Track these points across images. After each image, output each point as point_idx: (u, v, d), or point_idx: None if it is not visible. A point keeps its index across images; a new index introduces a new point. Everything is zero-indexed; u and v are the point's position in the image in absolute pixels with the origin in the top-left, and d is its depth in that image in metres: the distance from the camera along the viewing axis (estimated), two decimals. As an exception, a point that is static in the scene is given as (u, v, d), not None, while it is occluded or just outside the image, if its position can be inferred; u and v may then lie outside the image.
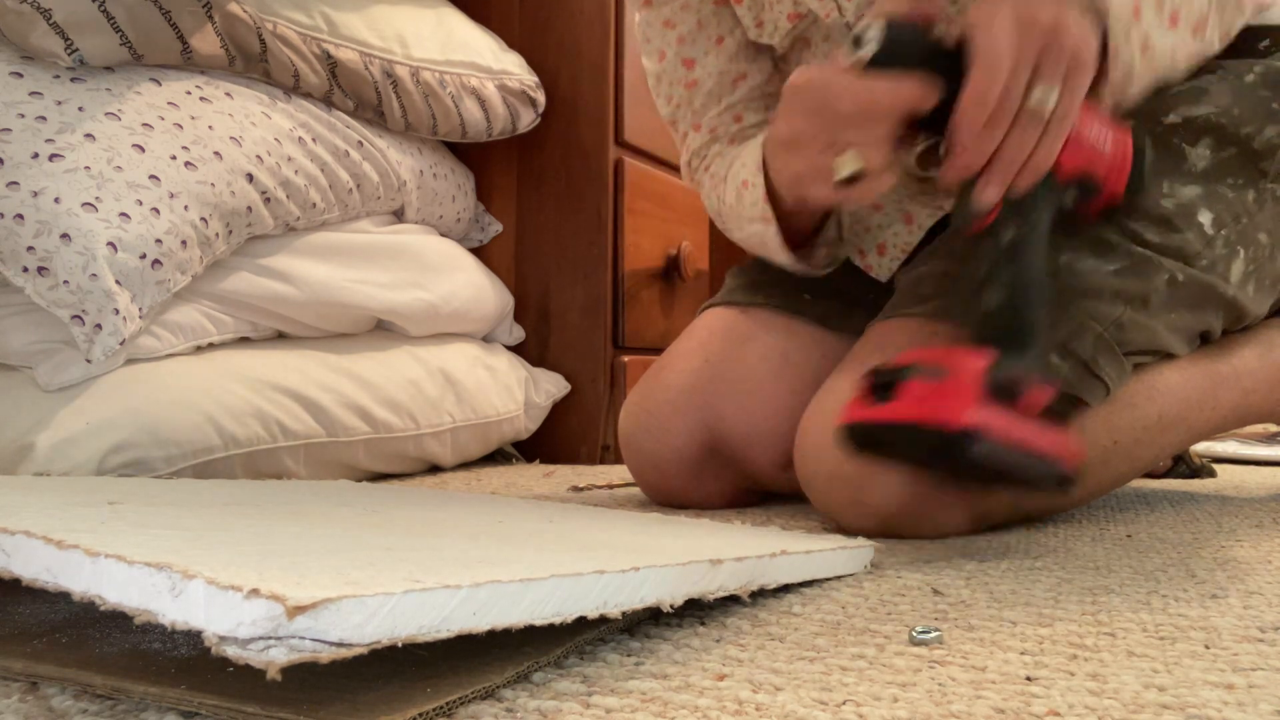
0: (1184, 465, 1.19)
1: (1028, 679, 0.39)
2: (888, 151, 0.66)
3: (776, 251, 0.86)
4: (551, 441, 1.51)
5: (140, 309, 0.92)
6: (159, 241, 0.93)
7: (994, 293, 0.66)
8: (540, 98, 1.50)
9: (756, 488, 0.94)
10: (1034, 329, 0.66)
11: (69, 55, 0.96)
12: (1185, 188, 0.75)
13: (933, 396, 0.61)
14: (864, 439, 0.65)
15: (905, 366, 0.63)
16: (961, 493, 0.73)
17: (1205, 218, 0.75)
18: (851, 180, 0.67)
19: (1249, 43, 0.81)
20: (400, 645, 0.31)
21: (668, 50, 0.94)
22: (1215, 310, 0.78)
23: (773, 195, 0.82)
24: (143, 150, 0.96)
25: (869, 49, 0.63)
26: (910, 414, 0.61)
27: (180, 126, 1.01)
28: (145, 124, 0.99)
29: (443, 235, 1.44)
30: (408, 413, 1.22)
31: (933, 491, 0.71)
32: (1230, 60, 0.80)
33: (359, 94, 1.25)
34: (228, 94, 1.10)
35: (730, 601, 0.51)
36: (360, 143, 1.24)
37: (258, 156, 1.07)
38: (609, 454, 1.48)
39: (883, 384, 0.64)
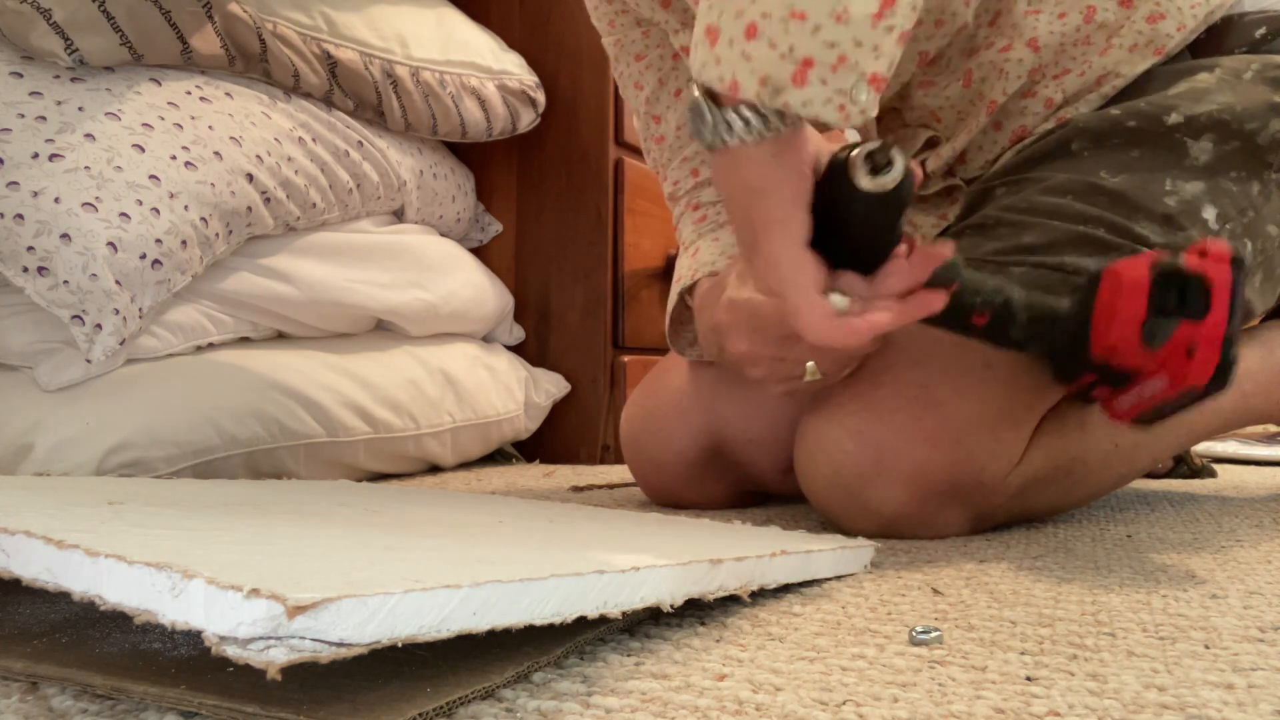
0: (1184, 466, 1.19)
1: (1028, 679, 0.39)
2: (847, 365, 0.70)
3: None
4: (551, 441, 1.51)
5: (140, 309, 0.92)
6: (159, 241, 0.93)
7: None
8: (540, 98, 1.50)
9: (758, 490, 0.94)
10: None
11: (69, 55, 0.96)
12: (1188, 184, 0.75)
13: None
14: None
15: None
16: (960, 497, 0.73)
17: (1209, 213, 0.75)
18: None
19: (1244, 32, 0.81)
20: (400, 645, 0.31)
21: (640, 109, 0.97)
22: None
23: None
24: (143, 150, 0.96)
25: (892, 176, 0.58)
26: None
27: (180, 126, 1.01)
28: (145, 124, 0.99)
29: (443, 235, 1.45)
30: (408, 413, 1.22)
31: (933, 494, 0.71)
32: (1226, 57, 0.80)
33: (359, 94, 1.25)
34: (228, 94, 1.10)
35: (730, 601, 0.51)
36: (360, 143, 1.24)
37: (258, 156, 1.07)
38: (609, 454, 1.48)
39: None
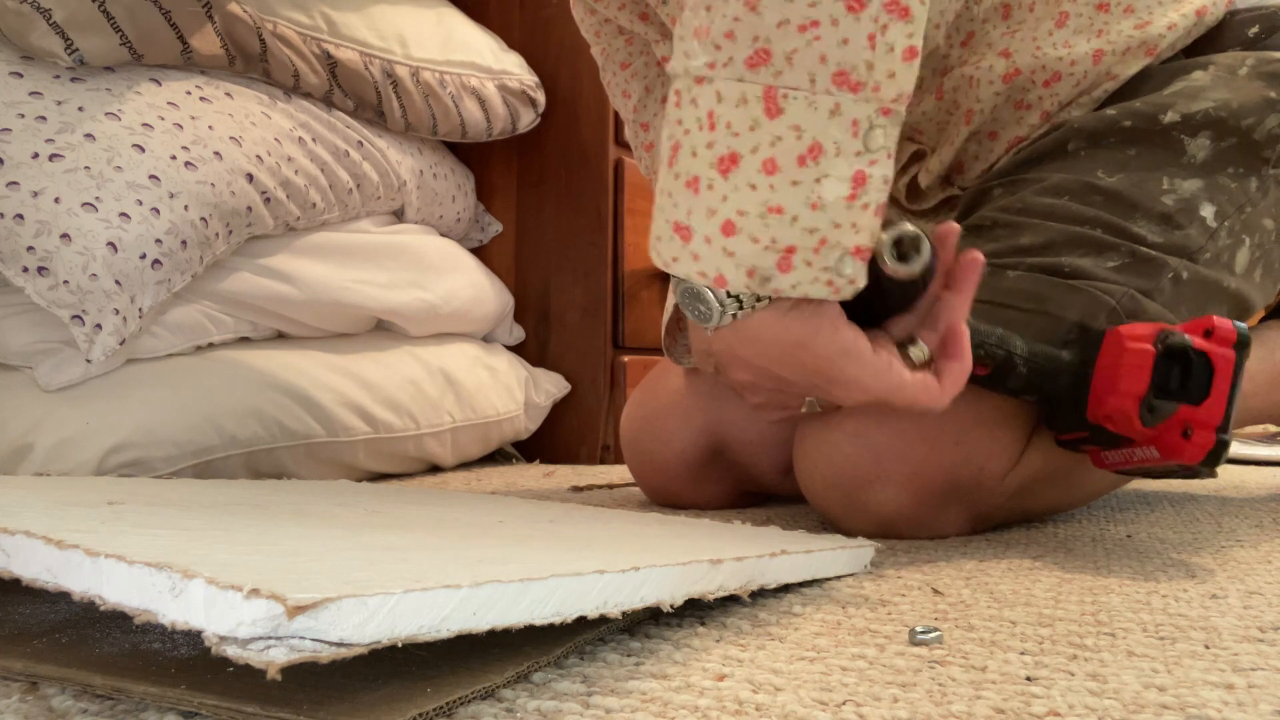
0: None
1: (1028, 679, 0.39)
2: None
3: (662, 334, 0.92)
4: (551, 441, 1.51)
5: (140, 309, 0.92)
6: (159, 242, 0.93)
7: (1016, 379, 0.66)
8: (540, 98, 1.50)
9: (758, 490, 0.94)
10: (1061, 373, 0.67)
11: (69, 55, 0.96)
12: (1186, 181, 0.75)
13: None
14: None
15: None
16: (959, 498, 0.73)
17: (1208, 210, 0.75)
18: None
19: (1237, 31, 0.81)
20: (400, 645, 0.31)
21: (629, 117, 0.97)
22: (1218, 306, 0.77)
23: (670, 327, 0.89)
24: (143, 150, 0.96)
25: (918, 265, 0.57)
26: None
27: (180, 126, 1.01)
28: (145, 124, 0.99)
29: (443, 235, 1.45)
30: (408, 413, 1.22)
31: (931, 495, 0.71)
32: (1219, 54, 0.80)
33: (359, 94, 1.25)
34: (228, 94, 1.10)
35: (730, 601, 0.51)
36: (360, 143, 1.24)
37: (258, 156, 1.07)
38: (609, 454, 1.48)
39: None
